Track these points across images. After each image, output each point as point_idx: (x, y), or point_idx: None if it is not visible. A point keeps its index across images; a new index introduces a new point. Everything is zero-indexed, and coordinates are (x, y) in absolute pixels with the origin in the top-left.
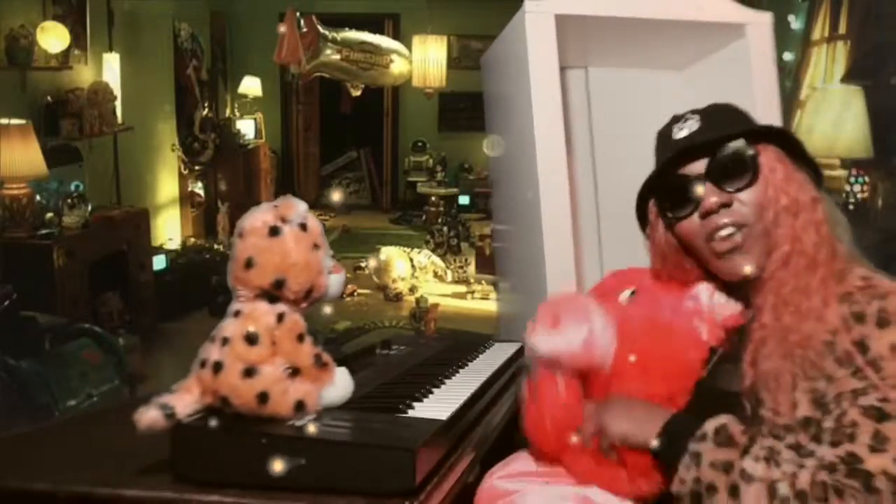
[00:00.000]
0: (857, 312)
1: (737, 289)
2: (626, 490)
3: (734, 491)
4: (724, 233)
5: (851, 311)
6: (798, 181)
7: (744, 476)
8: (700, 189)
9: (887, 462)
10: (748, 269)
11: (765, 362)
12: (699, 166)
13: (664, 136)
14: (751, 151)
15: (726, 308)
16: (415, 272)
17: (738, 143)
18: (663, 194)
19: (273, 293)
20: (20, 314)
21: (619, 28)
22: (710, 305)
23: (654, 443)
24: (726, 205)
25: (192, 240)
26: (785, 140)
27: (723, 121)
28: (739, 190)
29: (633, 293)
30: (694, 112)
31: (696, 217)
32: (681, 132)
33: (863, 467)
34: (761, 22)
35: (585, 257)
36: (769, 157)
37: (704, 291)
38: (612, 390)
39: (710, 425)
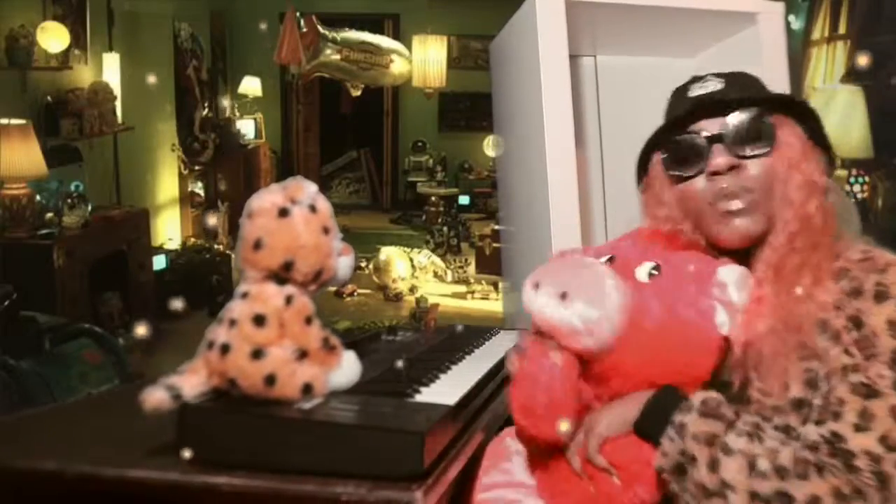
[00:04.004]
0: (854, 288)
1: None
2: (624, 501)
3: (714, 465)
4: (730, 193)
5: (849, 286)
6: (815, 162)
7: (725, 449)
8: (711, 149)
9: (871, 442)
10: (748, 232)
11: (757, 340)
12: (713, 126)
13: (680, 92)
14: (770, 120)
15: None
16: (415, 272)
17: (758, 109)
18: (672, 150)
19: (282, 275)
20: (20, 314)
21: (630, 15)
22: (739, 296)
23: (637, 420)
24: (736, 168)
25: (192, 240)
26: (807, 118)
27: (745, 85)
28: (752, 157)
29: (655, 268)
30: (715, 75)
31: (702, 178)
32: (699, 91)
33: (845, 446)
34: (773, 11)
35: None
36: (787, 131)
37: (730, 277)
38: (610, 384)
39: (697, 398)
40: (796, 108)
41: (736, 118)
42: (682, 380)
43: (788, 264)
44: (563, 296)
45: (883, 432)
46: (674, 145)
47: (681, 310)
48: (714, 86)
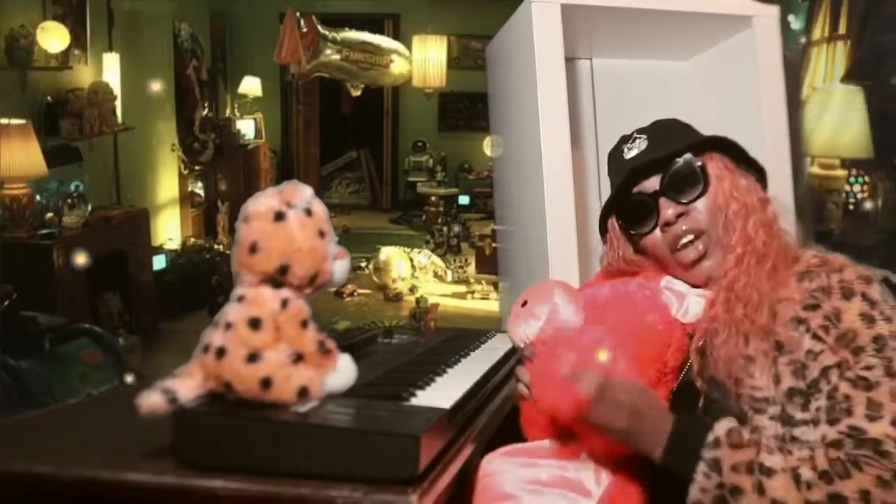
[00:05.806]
0: (820, 286)
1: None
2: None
3: (760, 488)
4: (685, 240)
5: (815, 285)
6: (745, 186)
7: (764, 471)
8: (657, 205)
9: (886, 427)
10: (713, 273)
11: (720, 349)
12: (653, 183)
13: (615, 156)
14: (698, 163)
15: (698, 304)
16: (415, 272)
17: (686, 157)
18: (623, 214)
19: (277, 279)
20: (20, 314)
21: (625, 19)
22: (685, 287)
23: (660, 456)
24: (683, 214)
25: (192, 240)
26: (728, 148)
27: (669, 137)
28: (693, 201)
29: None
30: (640, 131)
31: (657, 231)
32: (630, 152)
33: (868, 436)
34: (768, 14)
35: (590, 251)
36: (716, 166)
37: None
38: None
39: (720, 430)
40: (717, 143)
41: (669, 171)
42: (638, 347)
43: (737, 285)
44: (524, 303)
45: (893, 416)
46: (625, 209)
47: (629, 288)
48: (640, 144)
